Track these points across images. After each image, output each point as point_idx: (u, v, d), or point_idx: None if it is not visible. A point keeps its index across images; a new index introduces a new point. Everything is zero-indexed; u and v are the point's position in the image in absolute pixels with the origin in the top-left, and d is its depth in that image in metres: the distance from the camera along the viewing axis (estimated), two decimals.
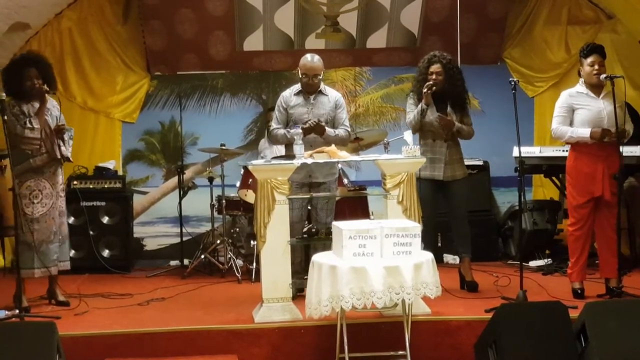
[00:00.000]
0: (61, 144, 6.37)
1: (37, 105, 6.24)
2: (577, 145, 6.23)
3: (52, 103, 6.42)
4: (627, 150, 6.77)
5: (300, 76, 6.47)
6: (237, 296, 6.72)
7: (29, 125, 6.13)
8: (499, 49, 9.00)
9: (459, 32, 8.19)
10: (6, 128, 5.94)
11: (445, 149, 6.56)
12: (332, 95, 6.61)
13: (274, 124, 6.60)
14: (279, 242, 5.70)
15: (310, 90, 6.50)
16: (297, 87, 6.57)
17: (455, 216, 6.69)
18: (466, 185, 6.77)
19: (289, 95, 6.57)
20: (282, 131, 6.50)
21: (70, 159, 6.51)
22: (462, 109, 6.66)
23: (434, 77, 6.50)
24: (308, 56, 6.50)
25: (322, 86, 6.58)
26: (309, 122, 6.27)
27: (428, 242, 6.51)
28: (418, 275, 4.92)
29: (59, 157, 6.32)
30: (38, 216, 6.20)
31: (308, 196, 6.33)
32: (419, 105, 6.45)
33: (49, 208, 6.28)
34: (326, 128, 6.39)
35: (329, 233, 5.81)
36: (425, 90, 6.41)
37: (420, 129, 6.57)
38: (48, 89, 6.24)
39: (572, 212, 6.30)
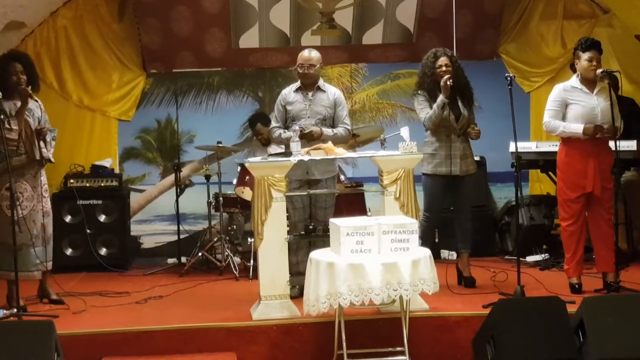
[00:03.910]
0: (42, 145, 6.27)
1: (18, 104, 6.16)
2: (568, 141, 6.24)
3: (34, 103, 6.34)
4: (624, 145, 6.77)
5: (298, 68, 6.50)
6: (234, 294, 6.72)
7: (7, 125, 6.03)
8: (495, 44, 8.99)
9: (455, 27, 8.19)
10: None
11: (459, 144, 6.55)
12: (331, 92, 6.61)
13: (273, 122, 6.61)
14: (277, 240, 5.70)
15: (308, 81, 6.49)
16: (297, 84, 6.58)
17: (461, 211, 6.69)
18: (475, 180, 6.79)
19: (288, 92, 6.58)
20: (278, 132, 6.51)
21: (52, 160, 6.40)
22: (470, 103, 6.67)
23: (443, 69, 6.49)
24: (305, 50, 6.58)
25: (321, 82, 6.59)
26: (302, 130, 6.24)
27: (428, 239, 6.54)
28: (416, 272, 4.93)
29: (38, 158, 6.22)
30: (17, 219, 6.05)
31: (305, 193, 6.33)
32: (439, 99, 6.39)
33: (29, 211, 6.19)
34: (323, 129, 6.39)
35: (326, 230, 5.81)
36: (445, 83, 6.34)
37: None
38: (31, 91, 6.15)
39: (564, 207, 6.30)
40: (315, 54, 6.51)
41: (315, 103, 6.50)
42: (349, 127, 6.65)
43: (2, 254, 6.05)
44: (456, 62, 6.57)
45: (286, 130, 6.44)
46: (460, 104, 6.57)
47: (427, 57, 6.64)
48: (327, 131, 6.41)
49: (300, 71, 6.48)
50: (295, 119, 6.42)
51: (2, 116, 6.03)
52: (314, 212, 6.50)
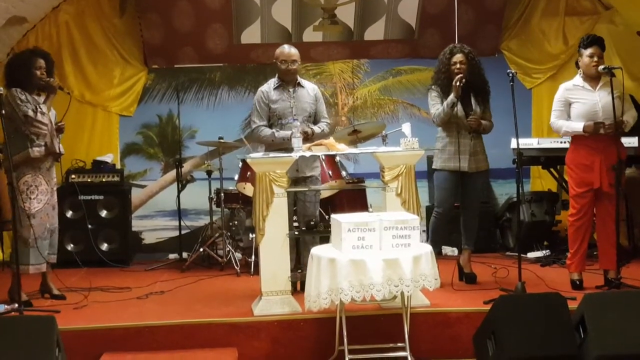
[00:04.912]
0: (58, 140, 6.41)
1: (37, 98, 6.28)
2: (575, 138, 6.26)
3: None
4: (625, 141, 6.77)
5: (279, 64, 6.43)
6: (236, 289, 6.72)
7: (40, 109, 6.17)
8: (497, 40, 8.99)
9: (457, 23, 8.19)
10: (2, 121, 5.91)
11: (469, 141, 6.54)
12: (309, 87, 6.59)
13: (257, 121, 6.45)
14: (278, 235, 5.70)
15: (290, 78, 6.45)
16: (274, 81, 6.51)
17: (469, 208, 6.69)
18: (486, 178, 6.78)
19: (269, 89, 6.48)
20: (269, 131, 6.38)
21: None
22: (485, 101, 6.66)
23: (457, 66, 6.48)
24: (285, 45, 6.52)
25: (299, 78, 6.55)
26: (302, 133, 6.18)
27: (439, 235, 6.55)
28: (417, 268, 4.93)
29: (58, 151, 6.35)
30: (34, 212, 6.19)
31: (306, 189, 6.33)
32: (449, 98, 6.40)
33: (44, 204, 6.29)
34: (313, 128, 6.37)
35: (327, 226, 5.82)
36: (457, 83, 6.34)
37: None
38: (59, 83, 6.36)
39: (572, 202, 6.32)
40: (295, 50, 6.46)
41: (298, 100, 6.46)
42: (329, 121, 6.67)
43: (20, 247, 6.06)
44: (473, 60, 6.55)
45: (279, 130, 6.37)
46: (473, 100, 6.57)
47: (443, 53, 6.63)
48: (315, 129, 6.42)
49: (283, 67, 6.41)
50: (281, 118, 6.38)
51: (28, 103, 6.15)
52: (302, 209, 6.47)
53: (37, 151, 6.21)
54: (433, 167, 6.64)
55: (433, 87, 6.66)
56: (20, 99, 6.12)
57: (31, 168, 6.23)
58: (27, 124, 6.12)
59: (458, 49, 6.57)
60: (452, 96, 6.39)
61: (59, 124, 6.42)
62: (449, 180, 6.57)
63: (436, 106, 6.54)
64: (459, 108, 6.45)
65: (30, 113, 6.11)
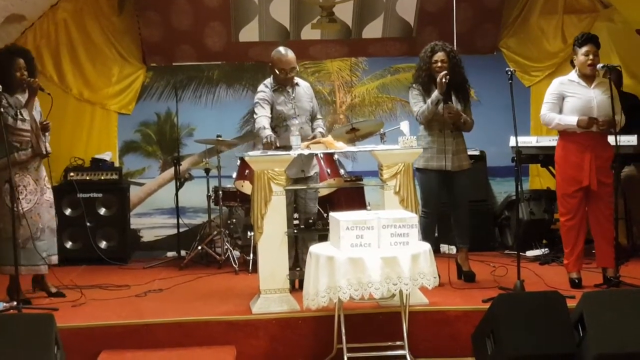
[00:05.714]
0: (44, 139, 6.32)
1: (21, 98, 6.21)
2: (565, 134, 6.26)
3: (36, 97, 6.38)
4: (624, 140, 6.77)
5: (277, 72, 6.33)
6: (234, 287, 6.72)
7: (20, 116, 6.09)
8: (495, 38, 8.99)
9: (455, 21, 8.18)
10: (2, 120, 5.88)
11: (452, 139, 6.52)
12: (303, 85, 6.58)
13: (259, 112, 6.30)
14: (276, 233, 5.70)
15: (288, 84, 6.39)
16: (272, 83, 6.42)
17: (457, 206, 6.68)
18: (470, 176, 6.78)
19: (269, 91, 6.39)
20: (257, 125, 6.25)
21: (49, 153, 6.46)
22: (466, 99, 6.65)
23: (439, 64, 6.46)
24: (281, 49, 6.39)
25: (295, 78, 6.48)
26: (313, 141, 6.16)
27: (428, 235, 6.53)
28: (415, 266, 4.93)
29: (44, 152, 6.27)
30: (23, 212, 6.12)
31: (305, 187, 6.32)
32: (433, 95, 6.38)
33: (33, 204, 6.22)
34: (322, 132, 6.38)
35: (326, 224, 5.81)
36: (441, 79, 6.31)
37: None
38: (39, 84, 6.23)
39: (562, 202, 6.31)
40: (292, 55, 6.34)
41: (298, 100, 6.42)
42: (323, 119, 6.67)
43: (8, 249, 6.00)
44: (454, 58, 6.53)
45: (265, 127, 6.17)
46: (454, 98, 6.56)
47: (424, 51, 6.62)
48: (321, 131, 6.42)
49: (282, 76, 6.33)
50: (286, 119, 6.34)
51: (10, 109, 6.08)
52: (303, 206, 6.47)
53: (23, 154, 6.16)
54: (415, 166, 6.58)
55: (414, 85, 6.65)
56: (1, 104, 5.97)
57: (18, 168, 6.14)
58: (7, 133, 6.00)
59: (440, 47, 6.56)
60: (436, 93, 6.37)
61: (44, 123, 6.31)
62: (432, 179, 6.56)
63: (418, 104, 6.53)
64: (441, 106, 6.43)
65: (10, 121, 6.03)
